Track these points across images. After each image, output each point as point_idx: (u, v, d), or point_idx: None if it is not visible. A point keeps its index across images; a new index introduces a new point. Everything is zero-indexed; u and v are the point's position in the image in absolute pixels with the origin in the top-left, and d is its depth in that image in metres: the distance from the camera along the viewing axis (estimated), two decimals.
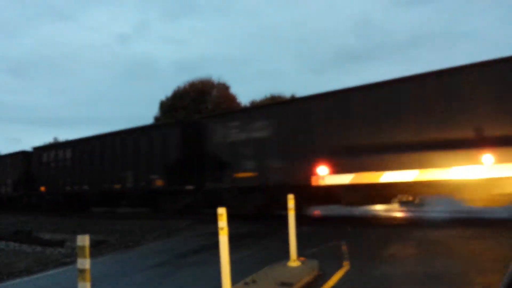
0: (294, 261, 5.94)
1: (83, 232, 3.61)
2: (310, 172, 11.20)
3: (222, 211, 4.38)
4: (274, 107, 13.47)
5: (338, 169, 10.75)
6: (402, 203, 13.10)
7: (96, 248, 9.03)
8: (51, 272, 7.38)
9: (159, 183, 15.44)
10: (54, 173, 20.77)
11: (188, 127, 15.52)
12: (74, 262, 7.35)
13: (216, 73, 66.45)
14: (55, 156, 20.98)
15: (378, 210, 13.82)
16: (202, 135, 14.26)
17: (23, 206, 23.10)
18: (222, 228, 4.36)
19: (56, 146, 22.14)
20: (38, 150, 22.57)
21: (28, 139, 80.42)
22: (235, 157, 13.04)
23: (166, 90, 63.17)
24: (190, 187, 14.55)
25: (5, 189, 24.82)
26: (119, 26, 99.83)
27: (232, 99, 36.77)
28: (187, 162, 14.69)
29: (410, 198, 12.08)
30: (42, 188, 21.41)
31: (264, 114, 12.70)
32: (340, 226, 10.54)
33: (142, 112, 74.99)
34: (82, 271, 3.22)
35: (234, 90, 42.08)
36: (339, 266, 5.95)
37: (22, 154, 24.01)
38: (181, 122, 16.46)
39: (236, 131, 13.16)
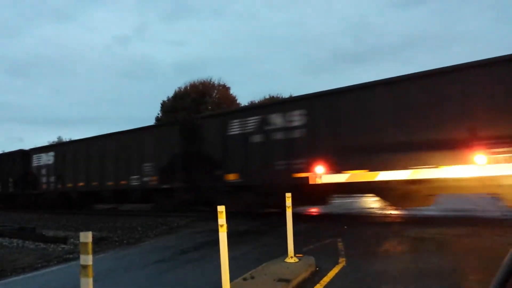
0: (291, 258, 6.09)
1: (86, 229, 3.71)
2: None
3: (221, 209, 4.51)
4: None
5: None
6: None
7: (99, 245, 9.17)
8: (54, 268, 7.52)
9: None
10: (263, 151, 12.91)
11: None
12: (77, 258, 7.50)
13: (215, 74, 66.77)
14: (261, 124, 13.02)
15: (374, 208, 13.96)
16: None
17: (182, 202, 15.77)
18: (221, 225, 4.49)
19: (262, 108, 14.07)
20: (226, 117, 14.31)
21: (30, 139, 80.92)
22: None
23: (166, 91, 63.46)
24: None
25: (139, 179, 16.18)
26: (118, 28, 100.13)
27: (232, 100, 36.99)
28: None
29: None
30: (231, 176, 13.98)
31: None
32: (336, 223, 10.67)
33: (143, 112, 75.46)
34: (84, 267, 3.31)
35: (234, 91, 42.26)
36: (335, 263, 6.09)
37: (177, 125, 15.70)
38: None
39: None
